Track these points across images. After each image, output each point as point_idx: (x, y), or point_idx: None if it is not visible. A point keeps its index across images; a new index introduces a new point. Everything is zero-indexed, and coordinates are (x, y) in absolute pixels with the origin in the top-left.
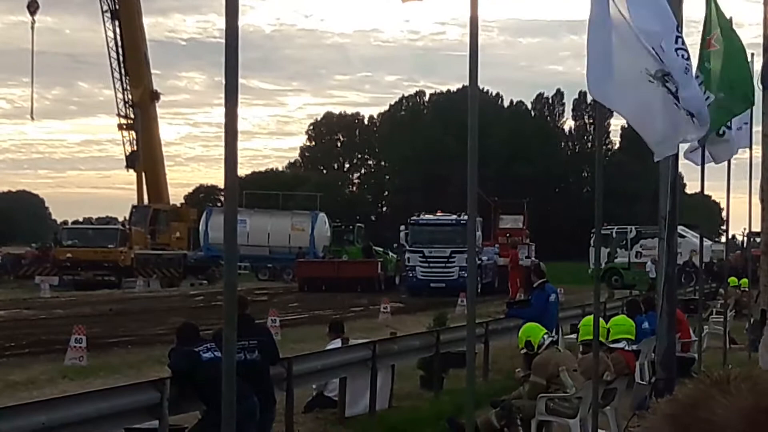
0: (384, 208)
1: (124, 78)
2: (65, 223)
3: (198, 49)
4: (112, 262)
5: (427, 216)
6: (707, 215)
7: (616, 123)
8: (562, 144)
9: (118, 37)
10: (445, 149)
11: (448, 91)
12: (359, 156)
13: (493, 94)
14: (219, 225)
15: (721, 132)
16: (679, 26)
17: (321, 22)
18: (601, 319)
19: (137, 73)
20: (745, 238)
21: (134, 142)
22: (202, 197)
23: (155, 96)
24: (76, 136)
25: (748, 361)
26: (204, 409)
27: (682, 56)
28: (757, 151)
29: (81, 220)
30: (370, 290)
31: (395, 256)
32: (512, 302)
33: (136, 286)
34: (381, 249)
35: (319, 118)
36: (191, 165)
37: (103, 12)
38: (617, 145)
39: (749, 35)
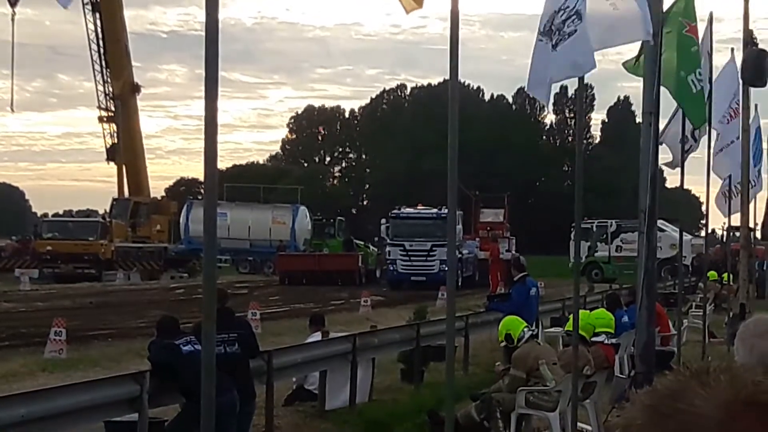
0: (365, 202)
1: (104, 70)
2: (45, 215)
3: (179, 41)
4: (92, 254)
5: (407, 209)
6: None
7: (597, 117)
8: (543, 138)
9: (99, 30)
10: (426, 143)
11: (429, 84)
12: (340, 149)
13: (474, 87)
14: (199, 218)
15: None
16: None
17: (302, 15)
18: (587, 312)
19: (118, 65)
20: (725, 233)
21: (115, 134)
22: (182, 190)
23: (136, 88)
24: (56, 129)
25: (727, 355)
26: (184, 402)
27: None
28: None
29: (61, 212)
30: (350, 283)
31: (376, 249)
32: (493, 296)
33: (117, 278)
34: (362, 242)
35: (300, 112)
36: (172, 158)
37: (84, 4)
38: (598, 139)
39: (729, 30)
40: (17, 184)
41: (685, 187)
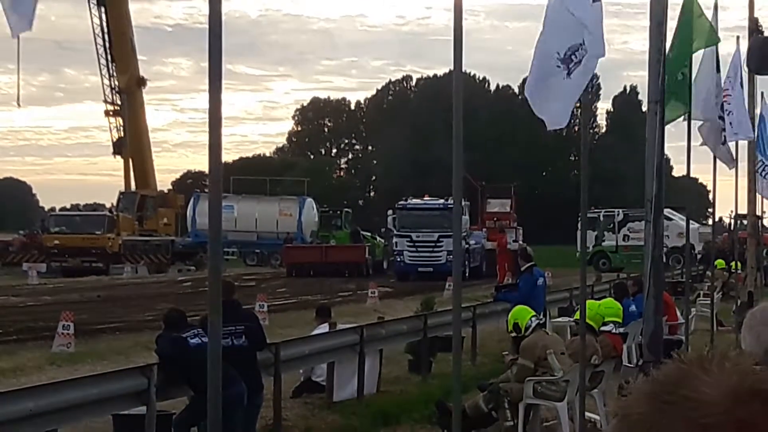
0: (371, 193)
1: (110, 64)
2: (53, 209)
3: (184, 35)
4: (99, 248)
5: (414, 200)
6: (694, 198)
7: (603, 106)
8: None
9: (105, 24)
10: (432, 134)
11: (435, 75)
12: (346, 141)
13: (480, 78)
14: (206, 211)
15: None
16: None
17: (307, 7)
18: (597, 302)
19: (124, 59)
20: (732, 221)
21: (121, 128)
22: (189, 183)
23: (142, 82)
24: (62, 123)
25: (735, 343)
26: (191, 395)
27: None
28: None
29: (68, 206)
30: (357, 275)
31: (383, 240)
32: (500, 286)
33: (124, 272)
34: (369, 234)
35: (305, 104)
36: (178, 151)
37: None
38: (604, 129)
39: (735, 18)
40: (24, 179)
41: (692, 175)
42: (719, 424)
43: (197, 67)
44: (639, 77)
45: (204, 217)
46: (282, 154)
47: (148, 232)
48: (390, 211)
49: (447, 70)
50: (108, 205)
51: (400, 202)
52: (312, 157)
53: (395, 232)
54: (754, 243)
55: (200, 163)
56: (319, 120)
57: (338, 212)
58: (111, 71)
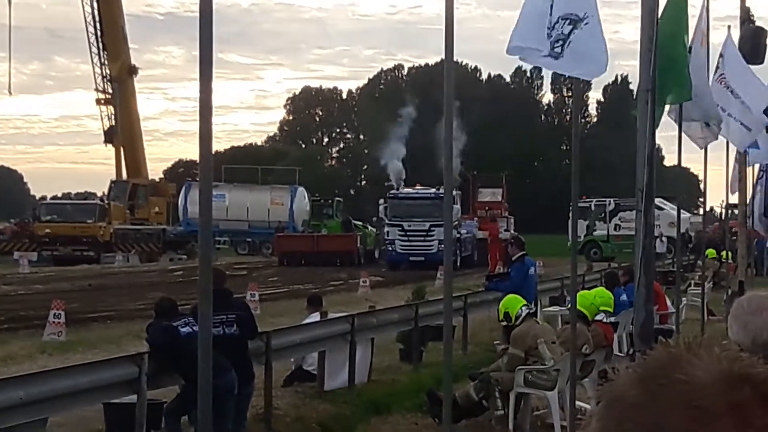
0: (363, 182)
1: (101, 53)
2: (44, 198)
3: (175, 23)
4: (91, 237)
5: (406, 189)
6: (685, 187)
7: (594, 96)
8: (541, 117)
9: (96, 12)
10: (423, 123)
11: (427, 64)
12: (338, 130)
13: (472, 67)
14: (197, 200)
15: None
16: None
17: None
18: (591, 292)
19: (115, 47)
20: (723, 210)
21: (112, 116)
22: (181, 172)
23: (133, 70)
24: (53, 111)
25: (726, 333)
26: (182, 383)
27: None
28: None
29: (59, 195)
30: (349, 264)
31: (374, 229)
32: (492, 275)
33: (115, 261)
34: (360, 223)
35: (297, 93)
36: (170, 140)
37: None
38: (595, 118)
39: (727, 7)
40: (15, 167)
41: (683, 165)
42: (713, 407)
43: (188, 55)
44: (631, 67)
45: (195, 206)
46: (273, 143)
47: (139, 221)
48: (381, 200)
49: (439, 59)
50: (99, 194)
51: (391, 191)
52: (303, 146)
53: (386, 221)
54: (744, 232)
55: (192, 152)
56: (310, 109)
57: (329, 201)
58: (102, 59)
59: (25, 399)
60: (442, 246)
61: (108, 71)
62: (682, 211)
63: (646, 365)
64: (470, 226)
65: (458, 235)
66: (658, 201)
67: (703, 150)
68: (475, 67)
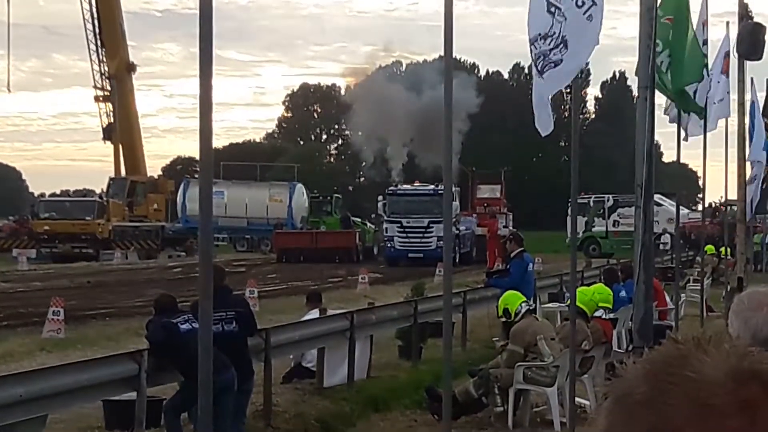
0: (361, 179)
1: (100, 50)
2: (42, 195)
3: (173, 20)
4: (89, 234)
5: (404, 186)
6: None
7: (593, 92)
8: None
9: (94, 9)
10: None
11: (425, 61)
12: (336, 127)
13: (470, 64)
14: (196, 196)
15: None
16: None
17: None
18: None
19: (113, 44)
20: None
21: (111, 114)
22: (179, 169)
23: (131, 68)
24: (52, 109)
25: (725, 329)
26: (182, 380)
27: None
28: (733, 119)
29: (58, 192)
30: (348, 261)
31: (373, 226)
32: (491, 272)
33: (114, 258)
34: (359, 219)
35: (295, 89)
36: (168, 137)
37: None
38: (594, 114)
39: (725, 3)
40: (13, 164)
41: (682, 161)
42: (724, 404)
43: (186, 52)
44: (629, 63)
45: (194, 202)
46: (272, 140)
47: (138, 218)
48: (380, 197)
49: (436, 56)
50: (98, 191)
51: (390, 188)
52: (302, 142)
53: (385, 217)
54: (743, 229)
55: (190, 148)
56: (308, 106)
57: (328, 198)
58: (100, 57)
59: (25, 396)
60: (441, 242)
61: (106, 68)
62: (680, 207)
63: (653, 361)
64: (469, 223)
65: (457, 232)
66: (656, 197)
67: (703, 146)
68: (473, 64)
